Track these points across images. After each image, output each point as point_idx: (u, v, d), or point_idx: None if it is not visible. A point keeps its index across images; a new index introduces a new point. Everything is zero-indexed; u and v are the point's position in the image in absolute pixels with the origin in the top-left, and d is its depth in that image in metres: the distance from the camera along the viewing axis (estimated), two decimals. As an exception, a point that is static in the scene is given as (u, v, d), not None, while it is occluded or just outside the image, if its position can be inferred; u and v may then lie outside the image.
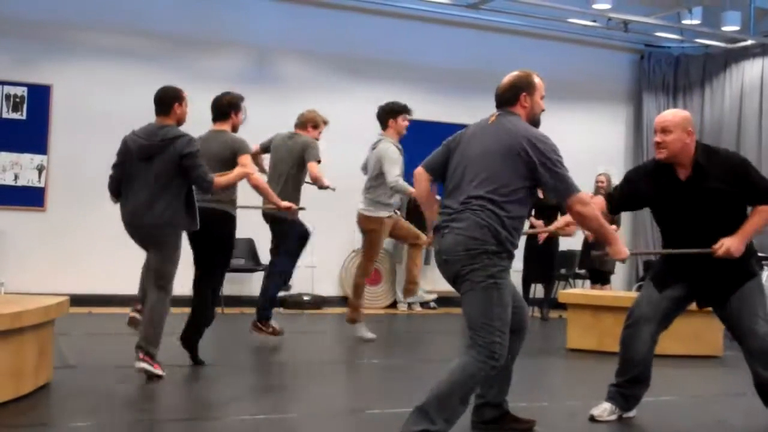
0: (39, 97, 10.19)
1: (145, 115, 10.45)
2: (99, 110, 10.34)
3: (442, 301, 11.52)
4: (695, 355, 7.95)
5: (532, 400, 5.43)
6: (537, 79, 4.58)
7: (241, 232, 10.74)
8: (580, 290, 10.58)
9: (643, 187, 5.10)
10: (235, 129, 7.29)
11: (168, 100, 6.42)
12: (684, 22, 11.86)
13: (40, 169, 10.20)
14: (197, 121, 10.62)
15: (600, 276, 10.91)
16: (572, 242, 10.37)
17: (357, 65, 11.55)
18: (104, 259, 10.21)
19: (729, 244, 4.70)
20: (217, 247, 6.71)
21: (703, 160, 4.84)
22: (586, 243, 10.64)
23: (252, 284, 10.87)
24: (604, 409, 5.21)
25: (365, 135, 11.55)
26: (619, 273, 12.01)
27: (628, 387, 5.22)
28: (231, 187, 6.76)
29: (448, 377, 4.13)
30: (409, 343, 9.10)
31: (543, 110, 4.57)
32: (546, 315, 11.01)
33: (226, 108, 7.27)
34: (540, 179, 4.23)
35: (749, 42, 12.32)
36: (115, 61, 10.47)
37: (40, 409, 5.09)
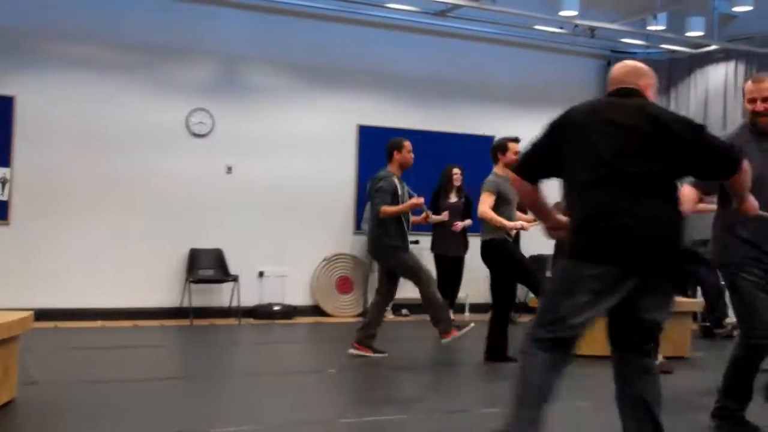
0: (1, 108, 10.04)
1: (112, 126, 10.45)
2: (64, 122, 10.23)
3: (415, 308, 11.50)
4: (663, 356, 7.97)
5: (503, 406, 5.40)
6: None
7: (210, 243, 10.78)
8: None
9: None
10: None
11: (388, 149, 7.93)
12: (649, 28, 11.93)
13: (3, 182, 10.05)
14: (168, 132, 10.66)
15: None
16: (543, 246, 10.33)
17: (327, 74, 11.51)
18: (69, 273, 10.09)
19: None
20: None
21: None
22: (557, 246, 10.63)
23: (222, 295, 10.79)
24: None
25: (335, 143, 11.58)
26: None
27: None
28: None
29: None
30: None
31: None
32: (514, 319, 10.98)
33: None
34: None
35: (713, 47, 12.41)
36: (81, 72, 10.36)
37: (3, 427, 4.99)
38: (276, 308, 10.96)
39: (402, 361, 7.77)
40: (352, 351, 7.92)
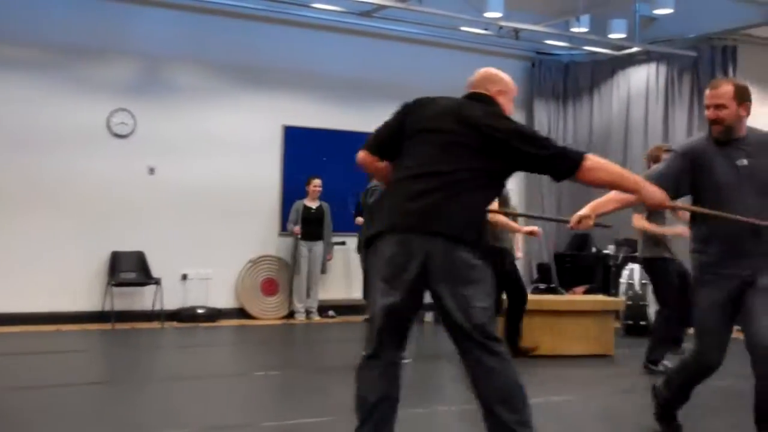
0: None
1: (33, 126, 10.20)
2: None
3: (342, 309, 11.47)
4: (588, 355, 8.07)
5: (429, 405, 5.39)
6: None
7: (132, 245, 10.58)
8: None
9: None
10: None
11: None
12: (572, 29, 12.06)
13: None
14: (89, 133, 10.42)
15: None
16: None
17: (252, 74, 11.38)
18: (7, 277, 9.84)
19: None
20: None
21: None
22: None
23: (144, 298, 10.60)
24: None
25: (260, 144, 11.47)
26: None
27: None
28: None
29: None
30: (307, 354, 8.99)
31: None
32: (439, 319, 11.03)
33: None
34: None
35: (635, 49, 12.59)
36: (1, 72, 10.08)
37: None
38: (200, 311, 10.79)
39: (328, 364, 7.71)
40: None
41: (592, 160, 3.80)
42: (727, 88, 4.45)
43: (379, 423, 3.70)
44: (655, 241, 7.30)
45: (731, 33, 12.19)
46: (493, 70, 4.22)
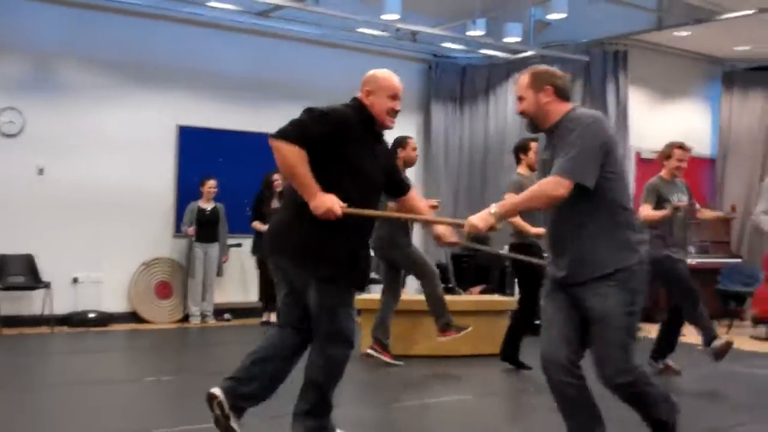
0: None
1: None
2: None
3: (238, 312, 11.33)
4: (482, 354, 8.15)
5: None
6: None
7: (20, 248, 10.25)
8: (374, 295, 10.63)
9: None
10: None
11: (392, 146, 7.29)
12: (469, 33, 12.16)
13: None
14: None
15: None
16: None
17: (145, 73, 11.15)
18: None
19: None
20: None
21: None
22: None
23: (33, 302, 10.29)
24: None
25: (154, 144, 11.24)
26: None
27: None
28: None
29: None
30: (201, 358, 8.83)
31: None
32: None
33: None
34: None
35: (529, 53, 12.80)
36: None
37: None
38: (91, 315, 10.53)
39: (222, 368, 7.56)
40: (369, 351, 7.87)
41: (277, 143, 4.20)
42: (522, 79, 4.18)
43: None
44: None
45: (622, 38, 12.53)
46: (370, 72, 4.50)
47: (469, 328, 7.76)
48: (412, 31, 11.77)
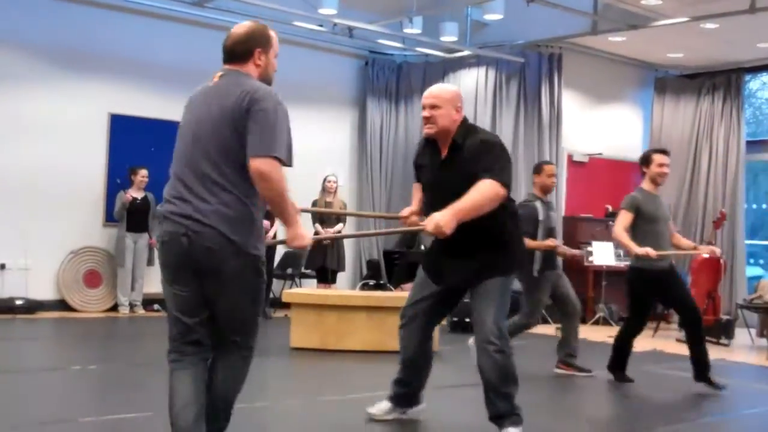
0: None
1: None
2: None
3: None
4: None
5: (251, 401, 5.34)
6: (273, 34, 3.99)
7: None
8: (304, 289, 10.67)
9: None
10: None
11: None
12: (405, 30, 12.23)
13: None
14: None
15: (326, 275, 11.07)
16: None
17: (77, 59, 10.99)
18: None
19: (436, 220, 4.41)
20: None
21: (461, 139, 4.78)
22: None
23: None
24: (380, 408, 5.24)
25: (84, 131, 11.09)
26: (345, 272, 12.21)
27: (407, 386, 5.20)
28: None
29: None
30: (128, 348, 8.74)
31: (275, 71, 4.08)
32: (269, 314, 11.01)
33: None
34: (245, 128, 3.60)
35: (466, 52, 12.91)
36: None
37: None
38: (18, 302, 10.37)
39: (148, 358, 7.53)
40: (556, 370, 7.50)
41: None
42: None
43: None
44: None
45: (558, 41, 12.69)
46: None
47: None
48: (349, 26, 11.78)
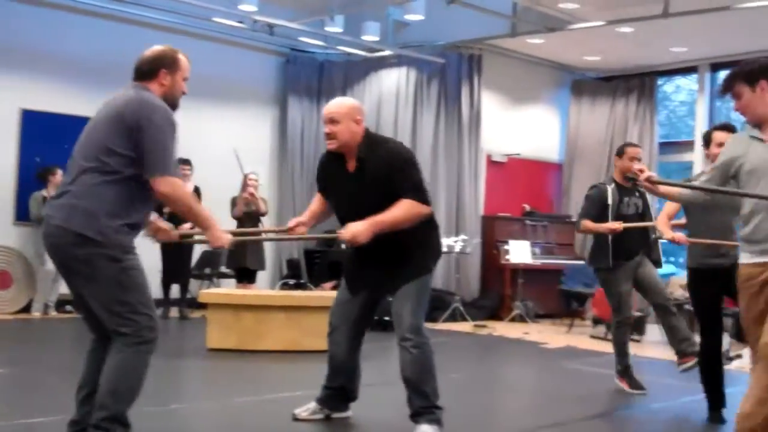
0: None
1: None
2: None
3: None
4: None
5: (165, 404, 5.24)
6: (182, 58, 4.31)
7: None
8: (221, 290, 10.54)
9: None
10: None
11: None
12: (327, 29, 12.17)
13: None
14: None
15: (246, 274, 10.94)
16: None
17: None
18: None
19: (353, 229, 4.60)
20: None
21: (365, 153, 4.79)
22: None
23: None
24: (306, 408, 5.24)
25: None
26: (265, 271, 12.08)
27: (335, 390, 5.25)
28: None
29: None
30: (38, 350, 8.49)
31: (184, 93, 4.26)
32: (185, 314, 10.86)
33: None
34: (137, 143, 3.84)
35: (387, 52, 12.91)
36: None
37: None
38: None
39: (59, 361, 7.34)
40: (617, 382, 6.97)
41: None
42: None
43: None
44: None
45: (478, 42, 12.79)
46: None
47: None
48: (270, 23, 11.67)
